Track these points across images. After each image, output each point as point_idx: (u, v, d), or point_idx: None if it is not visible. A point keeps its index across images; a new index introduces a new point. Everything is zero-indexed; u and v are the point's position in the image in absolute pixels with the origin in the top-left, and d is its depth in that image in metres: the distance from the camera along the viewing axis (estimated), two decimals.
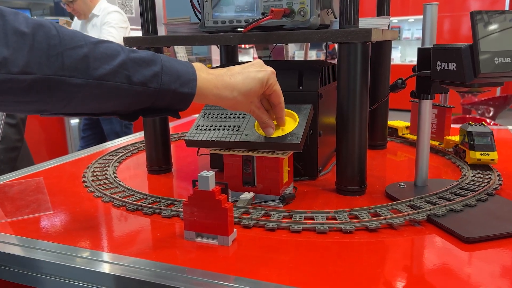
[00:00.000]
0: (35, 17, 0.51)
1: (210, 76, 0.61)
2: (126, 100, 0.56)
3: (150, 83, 0.55)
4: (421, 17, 0.77)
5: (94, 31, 2.51)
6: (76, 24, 2.65)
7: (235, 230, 0.62)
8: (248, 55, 5.25)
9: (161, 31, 0.95)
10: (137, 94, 0.55)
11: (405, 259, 0.57)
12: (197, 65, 0.62)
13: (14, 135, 1.39)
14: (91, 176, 0.91)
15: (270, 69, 0.66)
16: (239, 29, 0.85)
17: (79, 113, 0.57)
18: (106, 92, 0.53)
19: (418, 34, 6.83)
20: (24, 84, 0.47)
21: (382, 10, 1.06)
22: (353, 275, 0.52)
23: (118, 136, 2.53)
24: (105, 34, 2.43)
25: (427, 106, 0.74)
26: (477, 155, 0.86)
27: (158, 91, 0.56)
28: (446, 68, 0.63)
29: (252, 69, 0.65)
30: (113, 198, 0.78)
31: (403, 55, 7.01)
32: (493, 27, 0.60)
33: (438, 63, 0.65)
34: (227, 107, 0.66)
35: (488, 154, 0.85)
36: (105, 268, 0.55)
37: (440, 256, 0.56)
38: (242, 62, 1.07)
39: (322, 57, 6.44)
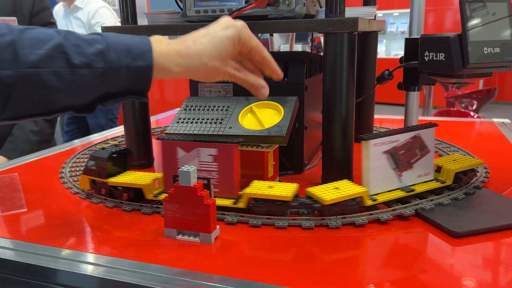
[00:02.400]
0: None
1: (171, 45, 0.53)
2: (73, 89, 0.48)
3: (96, 63, 0.48)
4: (406, 10, 0.76)
5: (77, 24, 2.44)
6: (57, 16, 2.57)
7: (218, 227, 0.59)
8: None
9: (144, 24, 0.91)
10: (83, 79, 0.48)
11: (393, 255, 0.55)
12: (156, 37, 0.54)
13: (48, 129, 1.43)
14: (69, 172, 0.88)
15: (240, 23, 0.57)
16: None
17: (25, 115, 0.49)
18: (44, 82, 0.46)
19: (403, 28, 6.87)
20: None
21: (368, 0, 1.05)
22: (340, 271, 0.50)
23: (103, 129, 2.48)
24: None
25: (414, 98, 0.73)
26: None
27: (107, 71, 0.49)
28: (435, 58, 0.62)
29: (218, 28, 0.56)
30: (91, 194, 0.75)
31: (388, 49, 7.05)
32: (482, 16, 0.58)
33: (426, 53, 0.64)
34: (200, 77, 0.56)
35: None
36: (81, 269, 0.53)
37: (429, 251, 0.55)
38: None
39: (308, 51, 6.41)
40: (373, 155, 0.63)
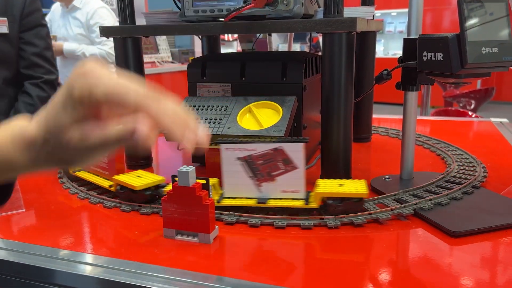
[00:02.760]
0: None
1: (23, 127, 0.39)
2: None
3: None
4: (404, 10, 0.76)
5: (75, 24, 2.43)
6: (54, 15, 2.56)
7: (216, 227, 0.59)
8: (232, 48, 5.20)
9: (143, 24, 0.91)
10: None
11: (392, 254, 0.55)
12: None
13: None
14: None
15: (75, 72, 0.35)
16: (220, 18, 0.82)
17: None
18: None
19: (401, 27, 6.87)
20: None
21: (367, 0, 1.05)
22: (339, 271, 0.50)
23: None
24: (99, 37, 2.39)
25: (412, 97, 0.73)
26: None
27: None
28: (433, 58, 0.62)
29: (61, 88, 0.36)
30: (89, 195, 0.75)
31: (386, 49, 7.05)
32: (480, 16, 0.58)
33: (425, 53, 0.64)
34: (55, 165, 0.40)
35: None
36: (79, 269, 0.52)
37: (427, 251, 0.55)
38: (226, 54, 1.04)
39: (306, 50, 6.40)
40: (226, 159, 0.64)
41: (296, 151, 0.62)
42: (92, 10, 2.43)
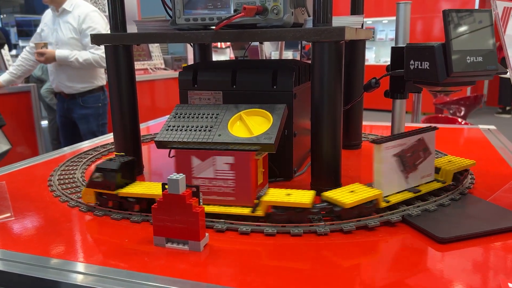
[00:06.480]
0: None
1: None
2: None
3: None
4: (395, 18, 0.77)
5: (67, 28, 2.43)
6: (46, 19, 2.56)
7: (207, 234, 0.60)
8: (225, 55, 5.21)
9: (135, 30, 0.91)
10: None
11: (381, 261, 0.56)
12: None
13: None
14: (57, 180, 0.87)
15: None
16: (212, 27, 0.83)
17: None
18: None
19: (392, 35, 6.94)
20: None
21: (356, 9, 1.06)
22: (328, 277, 0.51)
23: (95, 135, 2.50)
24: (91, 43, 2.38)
25: (400, 105, 0.74)
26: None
27: None
28: (420, 67, 0.63)
29: None
30: (80, 202, 0.75)
31: (378, 56, 7.12)
32: (465, 26, 0.60)
33: (412, 62, 0.65)
34: None
35: None
36: (70, 278, 0.52)
37: (415, 257, 0.56)
38: (217, 62, 1.04)
39: (298, 58, 6.43)
40: (385, 158, 0.66)
41: (431, 138, 0.69)
42: (83, 14, 2.42)
